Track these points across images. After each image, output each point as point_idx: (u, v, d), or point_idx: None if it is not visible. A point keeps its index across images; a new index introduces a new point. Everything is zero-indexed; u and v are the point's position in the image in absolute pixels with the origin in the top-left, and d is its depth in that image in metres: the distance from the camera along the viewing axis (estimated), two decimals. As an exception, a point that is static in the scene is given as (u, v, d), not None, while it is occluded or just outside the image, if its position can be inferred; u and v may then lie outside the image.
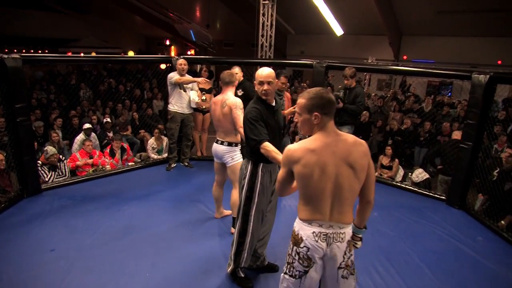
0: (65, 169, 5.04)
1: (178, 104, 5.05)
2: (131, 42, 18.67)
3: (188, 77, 5.02)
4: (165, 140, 6.28)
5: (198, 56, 10.51)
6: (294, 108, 4.47)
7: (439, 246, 3.47)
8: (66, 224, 3.54)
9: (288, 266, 1.85)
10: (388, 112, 8.65)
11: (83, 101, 8.49)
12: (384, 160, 5.94)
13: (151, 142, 6.24)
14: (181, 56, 5.21)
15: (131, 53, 15.88)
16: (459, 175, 4.28)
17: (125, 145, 5.96)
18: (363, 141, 1.79)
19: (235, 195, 3.26)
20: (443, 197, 4.48)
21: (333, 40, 14.29)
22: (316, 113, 1.72)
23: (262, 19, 8.75)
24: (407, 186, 5.04)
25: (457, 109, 8.60)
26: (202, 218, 3.80)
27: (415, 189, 4.92)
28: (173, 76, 4.94)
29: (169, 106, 5.11)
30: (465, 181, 4.24)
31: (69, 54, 13.73)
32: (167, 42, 18.26)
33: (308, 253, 1.77)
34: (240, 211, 2.63)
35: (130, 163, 5.68)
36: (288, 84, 4.85)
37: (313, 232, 1.75)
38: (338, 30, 13.59)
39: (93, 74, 11.60)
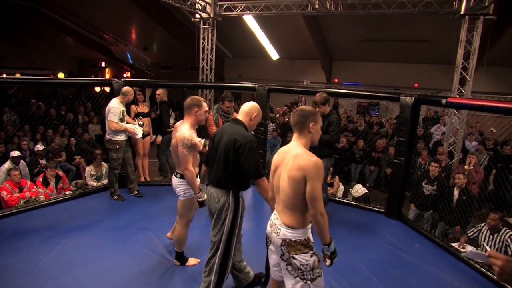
0: (-11, 202, 4.53)
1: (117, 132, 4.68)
2: (61, 63, 17.53)
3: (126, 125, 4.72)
4: (105, 166, 5.96)
5: (146, 80, 10.19)
6: None
7: (383, 255, 3.73)
8: (-5, 265, 3.16)
9: None
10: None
11: (7, 126, 7.78)
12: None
13: (90, 169, 5.89)
14: (123, 79, 5.02)
15: (61, 75, 14.92)
16: (394, 189, 4.64)
17: (60, 173, 5.53)
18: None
19: (178, 230, 3.18)
20: (382, 210, 4.82)
21: (270, 64, 14.90)
22: None
23: (203, 43, 8.85)
24: (349, 201, 5.34)
25: (386, 127, 9.37)
26: (152, 247, 3.63)
27: (356, 203, 5.24)
28: (115, 111, 4.57)
29: (111, 135, 4.65)
30: (400, 194, 4.61)
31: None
32: (102, 64, 17.52)
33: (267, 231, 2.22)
34: (224, 241, 2.58)
35: (66, 192, 5.27)
36: (233, 106, 4.90)
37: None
38: (274, 55, 14.25)
39: (17, 97, 10.70)
